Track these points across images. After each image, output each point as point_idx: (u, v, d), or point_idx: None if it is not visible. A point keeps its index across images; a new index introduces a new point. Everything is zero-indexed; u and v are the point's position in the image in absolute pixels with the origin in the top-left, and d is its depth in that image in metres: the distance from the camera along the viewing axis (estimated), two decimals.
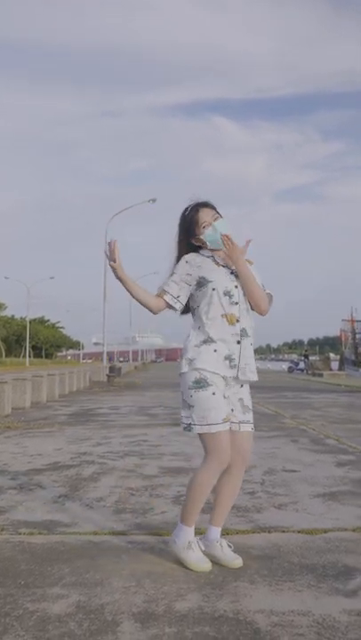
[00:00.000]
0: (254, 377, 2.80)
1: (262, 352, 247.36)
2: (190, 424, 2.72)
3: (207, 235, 2.83)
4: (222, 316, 2.74)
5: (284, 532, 3.37)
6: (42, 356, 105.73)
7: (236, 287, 2.77)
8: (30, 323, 78.88)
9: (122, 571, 2.74)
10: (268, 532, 3.37)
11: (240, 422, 2.81)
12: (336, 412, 11.00)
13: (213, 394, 2.68)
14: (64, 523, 3.55)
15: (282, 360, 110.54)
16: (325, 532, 3.36)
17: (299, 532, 3.36)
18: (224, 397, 2.73)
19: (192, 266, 2.83)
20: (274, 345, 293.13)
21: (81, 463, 5.55)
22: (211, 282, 2.76)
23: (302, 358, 45.11)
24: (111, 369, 25.44)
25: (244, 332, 2.75)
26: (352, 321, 40.82)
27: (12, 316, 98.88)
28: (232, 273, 2.81)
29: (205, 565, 2.74)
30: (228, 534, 3.29)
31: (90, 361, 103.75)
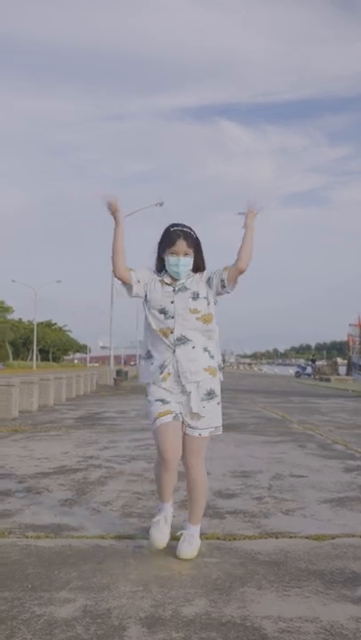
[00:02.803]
0: (197, 377, 3.00)
1: (270, 357, 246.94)
2: (149, 424, 3.13)
3: (170, 261, 3.03)
4: (159, 330, 3.02)
5: (291, 537, 3.35)
6: (49, 360, 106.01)
7: (172, 303, 3.01)
8: (37, 326, 79.07)
9: (129, 575, 2.74)
10: (276, 537, 3.36)
11: (187, 426, 3.04)
12: (344, 418, 10.96)
13: (149, 401, 3.05)
14: (71, 526, 3.55)
15: (289, 365, 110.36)
16: (333, 537, 3.34)
17: (306, 537, 3.35)
18: (161, 401, 3.00)
19: (149, 280, 3.09)
20: (281, 349, 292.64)
21: (88, 467, 5.56)
22: (148, 301, 3.07)
23: (310, 363, 44.98)
24: (118, 373, 25.47)
25: (181, 340, 2.99)
26: (360, 325, 40.66)
27: (20, 319, 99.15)
28: (173, 290, 3.03)
29: (157, 543, 3.01)
30: (235, 539, 3.29)
31: (97, 364, 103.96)
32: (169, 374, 2.99)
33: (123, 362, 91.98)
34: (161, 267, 3.10)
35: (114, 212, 3.05)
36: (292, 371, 52.91)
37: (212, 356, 3.07)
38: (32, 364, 74.93)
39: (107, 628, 2.19)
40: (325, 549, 3.15)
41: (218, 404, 3.07)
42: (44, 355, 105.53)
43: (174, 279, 3.05)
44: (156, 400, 3.01)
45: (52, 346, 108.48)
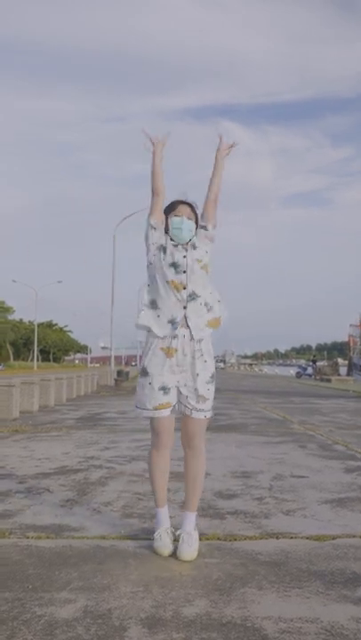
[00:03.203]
0: (203, 334, 3.05)
1: (270, 357, 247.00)
2: (135, 406, 3.17)
3: (173, 223, 3.13)
4: (171, 282, 3.03)
5: (292, 538, 3.35)
6: (50, 360, 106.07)
7: (185, 257, 3.05)
8: (38, 326, 79.13)
9: (129, 575, 2.74)
10: (277, 537, 3.36)
11: (193, 409, 3.06)
12: (344, 418, 10.95)
13: (150, 385, 3.03)
14: (72, 527, 3.55)
15: (290, 365, 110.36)
16: (334, 538, 3.34)
17: (307, 538, 3.35)
18: (163, 390, 3.01)
19: (161, 235, 3.16)
20: (282, 350, 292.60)
21: (89, 467, 5.56)
22: (160, 252, 3.09)
23: (310, 363, 44.97)
24: (119, 373, 25.48)
25: (192, 296, 3.03)
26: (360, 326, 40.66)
27: (21, 319, 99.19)
28: (184, 248, 3.08)
29: (162, 550, 3.03)
30: (235, 540, 3.29)
31: (97, 365, 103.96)
32: (176, 350, 2.99)
33: (123, 362, 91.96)
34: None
35: (155, 152, 3.20)
36: (292, 371, 52.89)
37: (210, 309, 3.12)
38: (33, 364, 74.99)
39: (107, 629, 2.19)
40: (326, 550, 3.15)
41: (214, 386, 3.17)
42: (45, 355, 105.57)
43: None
44: (159, 389, 3.01)
45: (52, 346, 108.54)
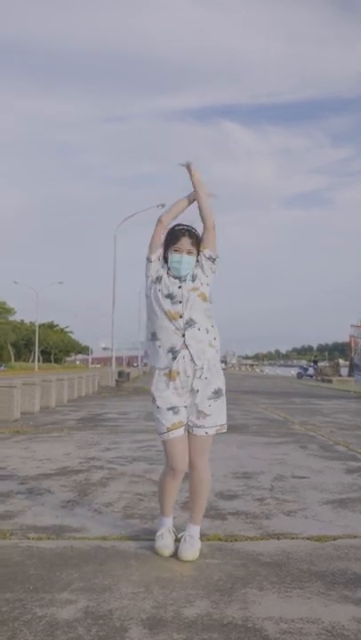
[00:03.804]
0: (206, 356, 3.05)
1: (271, 358, 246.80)
2: (158, 434, 3.16)
3: (173, 258, 3.09)
4: (167, 313, 3.05)
5: (293, 538, 3.35)
6: (51, 361, 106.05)
7: (180, 288, 3.07)
8: (39, 327, 79.14)
9: (130, 576, 2.74)
10: (278, 538, 3.36)
11: (194, 426, 3.07)
12: (345, 419, 10.95)
13: (158, 408, 3.06)
14: (73, 528, 3.55)
15: (291, 366, 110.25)
16: (335, 539, 3.34)
17: (308, 538, 3.35)
18: (172, 410, 3.03)
19: (160, 266, 3.16)
20: (283, 351, 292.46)
21: (90, 468, 5.56)
22: (156, 284, 3.12)
23: (312, 364, 44.95)
24: (120, 374, 25.49)
25: (189, 323, 3.04)
26: None
27: (22, 320, 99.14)
28: (179, 284, 3.08)
29: (163, 550, 3.06)
30: (236, 540, 3.29)
31: (99, 366, 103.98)
32: (178, 373, 3.01)
33: (125, 363, 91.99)
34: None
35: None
36: (293, 372, 52.83)
37: (209, 333, 3.11)
38: (34, 365, 74.98)
39: (108, 630, 2.19)
40: (327, 550, 3.14)
41: (223, 402, 3.11)
42: (46, 356, 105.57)
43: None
44: (168, 409, 3.04)
45: (53, 347, 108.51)
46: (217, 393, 3.07)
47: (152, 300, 3.10)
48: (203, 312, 3.09)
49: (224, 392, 3.14)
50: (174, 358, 3.01)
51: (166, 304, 3.05)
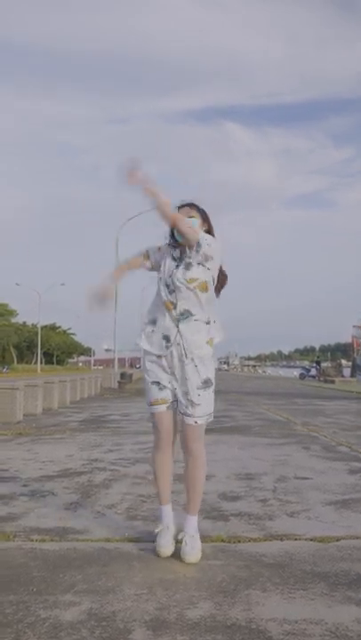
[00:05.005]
0: (201, 351, 3.04)
1: (274, 359, 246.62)
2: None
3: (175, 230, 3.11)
4: (164, 303, 3.09)
5: (296, 539, 3.35)
6: (53, 363, 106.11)
7: (171, 277, 3.08)
8: (42, 329, 79.19)
9: (134, 578, 2.74)
10: (281, 539, 3.35)
11: (183, 414, 3.09)
12: (348, 419, 10.93)
13: (145, 380, 3.17)
14: (76, 529, 3.56)
15: (293, 367, 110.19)
16: (338, 539, 3.34)
17: (311, 539, 3.34)
18: (157, 384, 3.10)
19: (160, 257, 3.22)
20: (285, 351, 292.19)
21: (92, 470, 5.56)
22: (159, 272, 3.17)
23: (314, 365, 44.90)
24: (122, 375, 25.49)
25: (184, 315, 3.04)
26: None
27: (24, 322, 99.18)
28: (176, 265, 3.10)
29: (160, 550, 3.04)
30: (239, 542, 3.29)
31: (101, 367, 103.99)
32: (170, 359, 3.07)
33: (127, 364, 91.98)
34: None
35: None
36: (296, 373, 52.74)
37: (208, 326, 3.11)
38: (36, 367, 75.04)
39: (112, 631, 2.20)
40: (330, 551, 3.14)
41: (212, 392, 3.14)
42: (49, 358, 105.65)
43: (182, 252, 3.09)
44: (153, 382, 3.11)
45: (56, 349, 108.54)
46: (206, 383, 3.08)
47: (158, 284, 3.17)
48: (202, 304, 3.07)
49: (213, 382, 3.14)
50: (167, 347, 3.05)
51: (165, 293, 3.09)
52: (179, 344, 3.03)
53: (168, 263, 3.13)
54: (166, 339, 3.06)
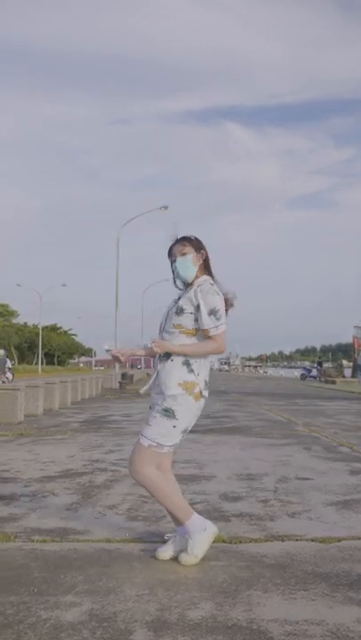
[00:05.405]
0: (170, 391, 2.93)
1: (275, 359, 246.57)
2: None
3: (171, 268, 3.15)
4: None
5: (297, 540, 3.35)
6: (54, 364, 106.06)
7: (161, 321, 3.14)
8: (43, 330, 79.22)
9: (135, 578, 2.74)
10: (282, 540, 3.35)
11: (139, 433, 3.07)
12: (349, 420, 10.93)
13: (178, 427, 2.99)
14: (77, 530, 3.56)
15: (294, 367, 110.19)
16: (339, 540, 3.34)
17: (312, 540, 3.34)
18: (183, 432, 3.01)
19: None
20: (286, 352, 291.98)
21: (93, 470, 5.56)
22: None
23: (315, 365, 44.91)
24: (123, 376, 25.48)
25: (164, 355, 3.01)
26: None
27: (25, 323, 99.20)
28: (168, 309, 3.13)
29: (158, 554, 3.02)
30: (241, 542, 3.29)
31: (102, 368, 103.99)
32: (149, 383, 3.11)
33: (128, 365, 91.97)
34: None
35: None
36: (297, 373, 52.81)
37: (191, 371, 2.96)
38: (37, 367, 75.05)
39: (113, 632, 2.19)
40: (331, 552, 3.14)
41: (173, 427, 2.92)
42: (50, 358, 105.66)
43: (179, 298, 3.11)
44: (183, 431, 2.98)
45: (57, 349, 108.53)
46: (167, 411, 2.91)
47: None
48: (181, 345, 2.97)
49: (180, 419, 2.92)
50: (150, 387, 3.10)
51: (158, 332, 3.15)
52: (155, 376, 3.07)
53: (169, 305, 3.17)
54: (154, 367, 3.11)
